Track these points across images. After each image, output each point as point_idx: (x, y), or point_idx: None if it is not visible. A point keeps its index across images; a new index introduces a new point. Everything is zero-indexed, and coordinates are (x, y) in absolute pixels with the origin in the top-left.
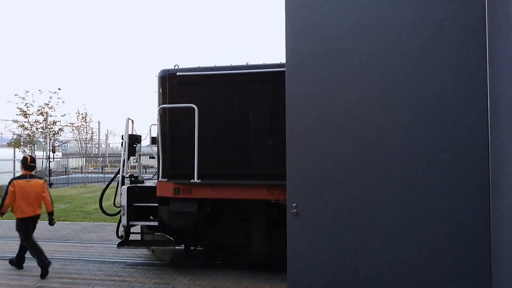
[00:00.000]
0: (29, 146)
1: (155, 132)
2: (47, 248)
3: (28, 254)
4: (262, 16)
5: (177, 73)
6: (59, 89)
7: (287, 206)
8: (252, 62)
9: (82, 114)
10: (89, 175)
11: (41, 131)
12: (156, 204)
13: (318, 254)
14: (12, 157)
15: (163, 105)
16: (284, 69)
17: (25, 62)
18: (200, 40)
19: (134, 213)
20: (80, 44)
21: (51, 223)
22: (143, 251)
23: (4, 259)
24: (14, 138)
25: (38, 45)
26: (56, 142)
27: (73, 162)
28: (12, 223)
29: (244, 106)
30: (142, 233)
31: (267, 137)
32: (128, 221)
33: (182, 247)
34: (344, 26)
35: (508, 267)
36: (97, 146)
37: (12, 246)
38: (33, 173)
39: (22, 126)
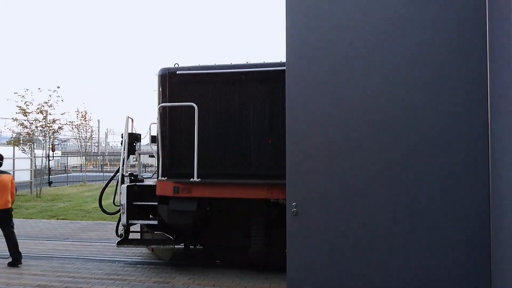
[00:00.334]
0: (29, 145)
1: (154, 131)
2: (46, 246)
3: (28, 253)
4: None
5: (177, 72)
6: (58, 87)
7: (287, 205)
8: (252, 61)
9: (81, 112)
10: (89, 174)
11: (40, 130)
12: (156, 203)
13: (317, 253)
14: (12, 155)
15: (163, 104)
16: (284, 68)
17: (24, 61)
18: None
19: (134, 212)
20: (80, 44)
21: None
22: (143, 250)
23: (3, 258)
24: (14, 136)
25: (38, 45)
26: (56, 140)
27: (73, 161)
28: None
29: (244, 105)
30: (141, 232)
31: (267, 136)
32: (127, 220)
33: (181, 246)
34: (344, 26)
35: (507, 267)
36: (96, 144)
37: None
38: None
39: (22, 124)
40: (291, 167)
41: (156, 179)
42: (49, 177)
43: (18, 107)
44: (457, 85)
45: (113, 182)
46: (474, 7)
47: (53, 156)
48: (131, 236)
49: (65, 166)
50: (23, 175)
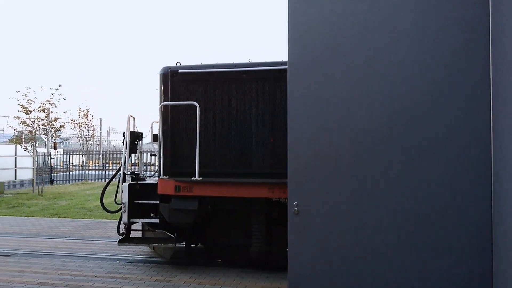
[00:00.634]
0: (31, 143)
1: (156, 130)
2: (48, 244)
3: (30, 251)
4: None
5: (179, 71)
6: (60, 85)
7: (288, 204)
8: (254, 60)
9: (83, 111)
10: (90, 172)
11: (42, 128)
12: (157, 202)
13: (318, 253)
14: (14, 153)
15: (165, 103)
16: (286, 67)
17: (26, 61)
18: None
19: (135, 211)
20: (80, 44)
21: None
22: (144, 249)
23: (4, 255)
24: (16, 134)
25: (38, 45)
26: (58, 139)
27: (75, 159)
28: (13, 219)
29: (246, 104)
30: (143, 230)
31: (269, 135)
32: (129, 218)
33: (183, 244)
34: (346, 27)
35: (510, 270)
36: (98, 143)
37: (12, 243)
38: None
39: (24, 122)
40: (293, 166)
41: (157, 178)
42: (51, 175)
43: (20, 105)
44: (460, 85)
45: (115, 181)
46: (477, 5)
47: (55, 154)
48: (133, 234)
49: (67, 164)
50: (25, 173)
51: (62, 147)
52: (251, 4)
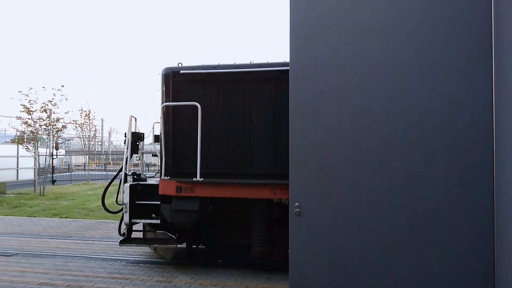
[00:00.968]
0: (32, 143)
1: (158, 130)
2: (49, 245)
3: (31, 251)
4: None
5: (181, 71)
6: (62, 86)
7: (290, 205)
8: (255, 61)
9: (85, 111)
10: (92, 173)
11: (44, 128)
12: (158, 202)
13: (320, 253)
14: (16, 153)
15: (166, 103)
16: (288, 68)
17: (27, 61)
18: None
19: (136, 211)
20: (80, 44)
21: None
22: (145, 249)
23: (5, 255)
24: (18, 134)
25: (39, 44)
26: (59, 139)
27: (76, 159)
28: (15, 219)
29: (247, 104)
30: (144, 231)
31: (270, 136)
32: (130, 218)
33: (184, 245)
34: (348, 25)
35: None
36: (100, 143)
37: (13, 243)
38: None
39: (26, 123)
40: (294, 167)
41: (159, 178)
42: (52, 176)
43: (22, 105)
44: (462, 84)
45: (116, 181)
46: (480, 5)
47: (56, 155)
48: (134, 235)
49: (68, 164)
50: (26, 174)
51: (63, 147)
52: (252, 4)
